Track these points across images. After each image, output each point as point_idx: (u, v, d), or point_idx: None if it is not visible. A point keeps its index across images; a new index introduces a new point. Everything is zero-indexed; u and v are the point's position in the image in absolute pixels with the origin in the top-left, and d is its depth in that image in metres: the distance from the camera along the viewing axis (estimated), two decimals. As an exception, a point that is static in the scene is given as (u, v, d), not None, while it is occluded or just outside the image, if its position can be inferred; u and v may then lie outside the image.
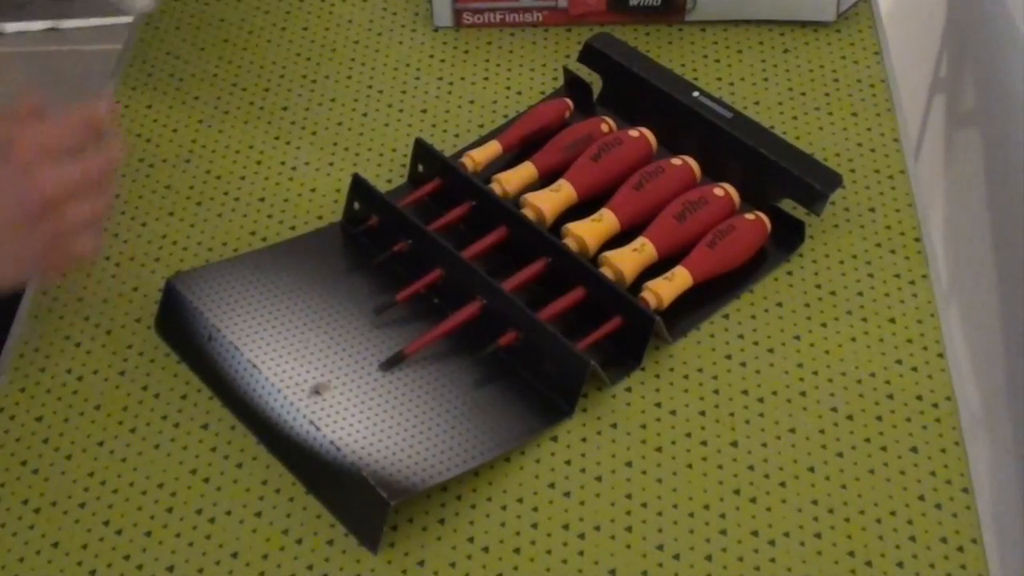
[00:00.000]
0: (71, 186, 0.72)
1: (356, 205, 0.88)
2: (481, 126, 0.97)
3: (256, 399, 0.78)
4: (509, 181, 0.89)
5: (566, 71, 0.97)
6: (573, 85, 0.97)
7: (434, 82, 1.01)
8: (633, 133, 0.90)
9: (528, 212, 0.86)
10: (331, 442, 0.73)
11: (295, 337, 0.80)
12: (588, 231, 0.85)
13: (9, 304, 0.87)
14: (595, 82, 0.98)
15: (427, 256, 0.83)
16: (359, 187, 0.88)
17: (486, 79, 1.01)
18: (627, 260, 0.83)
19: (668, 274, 0.82)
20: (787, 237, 0.87)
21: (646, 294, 0.81)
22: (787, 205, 0.87)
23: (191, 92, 1.01)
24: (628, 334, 0.80)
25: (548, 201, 0.87)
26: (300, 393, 0.76)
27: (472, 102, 0.99)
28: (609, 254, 0.83)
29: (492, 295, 0.80)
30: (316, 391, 0.77)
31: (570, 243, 0.84)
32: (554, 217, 0.87)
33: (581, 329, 0.80)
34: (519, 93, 1.00)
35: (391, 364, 0.79)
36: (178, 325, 0.83)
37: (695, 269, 0.83)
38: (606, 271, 0.83)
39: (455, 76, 1.02)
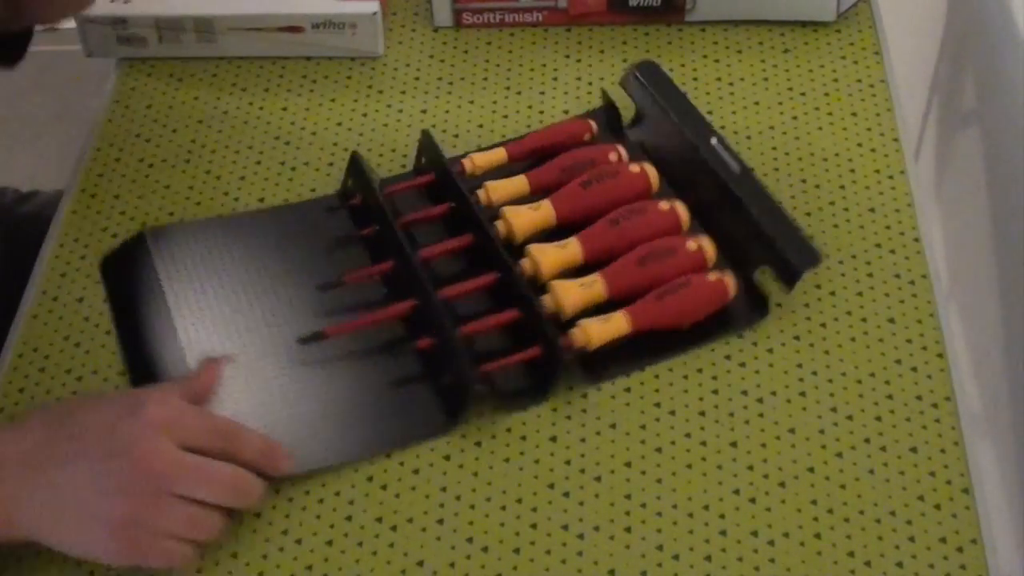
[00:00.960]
0: (176, 479, 0.68)
1: (349, 182, 0.90)
2: (481, 126, 0.97)
3: (166, 363, 0.80)
4: (496, 190, 0.87)
5: (603, 93, 0.95)
6: (607, 108, 0.95)
7: (434, 82, 1.01)
8: (634, 168, 0.87)
9: (500, 225, 0.85)
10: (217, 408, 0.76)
11: (231, 303, 0.82)
12: (547, 256, 0.82)
13: (9, 304, 0.87)
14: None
15: (386, 246, 0.84)
16: (354, 165, 0.89)
17: (486, 79, 1.01)
18: (571, 293, 0.81)
19: (605, 316, 0.80)
20: (751, 308, 0.83)
21: (576, 331, 0.79)
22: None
23: (191, 92, 1.01)
24: (542, 366, 0.79)
25: (523, 218, 0.85)
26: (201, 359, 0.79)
27: (472, 102, 0.99)
28: (555, 283, 0.81)
29: (424, 298, 0.80)
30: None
31: (526, 264, 0.83)
32: (526, 235, 0.85)
33: (515, 351, 0.79)
34: (519, 93, 1.00)
35: (307, 340, 0.80)
36: (128, 270, 0.85)
37: (635, 317, 0.80)
38: (548, 299, 0.80)
39: (455, 76, 1.02)
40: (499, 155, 0.90)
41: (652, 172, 0.87)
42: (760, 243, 0.82)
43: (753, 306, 0.83)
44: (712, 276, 0.82)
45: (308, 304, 0.83)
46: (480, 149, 0.92)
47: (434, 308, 0.79)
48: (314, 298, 0.84)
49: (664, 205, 0.85)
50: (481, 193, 0.88)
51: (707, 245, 0.83)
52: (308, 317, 0.82)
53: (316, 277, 0.84)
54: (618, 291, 0.81)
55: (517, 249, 0.84)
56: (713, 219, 0.86)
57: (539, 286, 0.82)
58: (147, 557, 0.68)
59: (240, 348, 0.80)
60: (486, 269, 0.82)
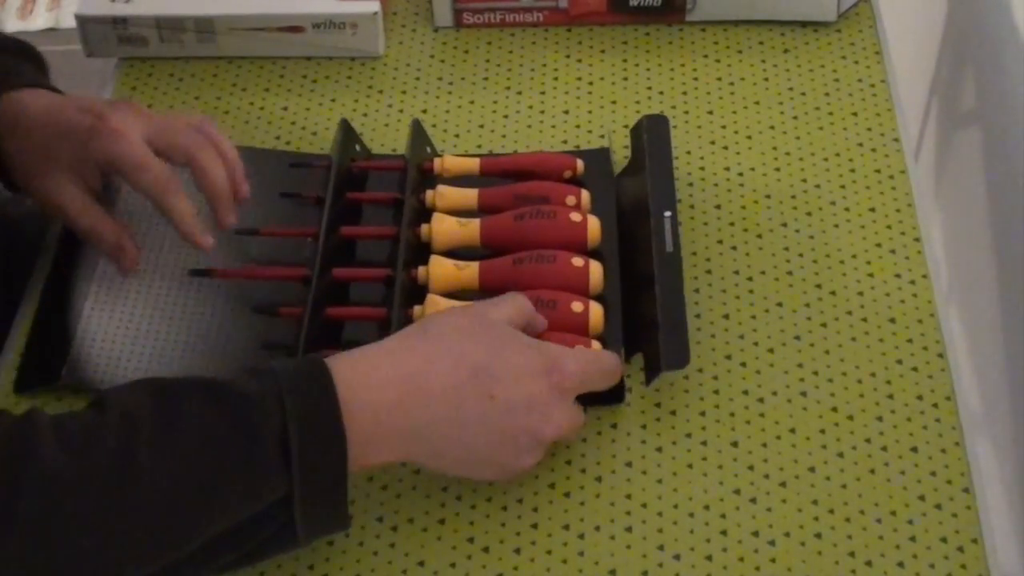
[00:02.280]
0: (576, 431, 0.74)
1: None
2: (481, 126, 0.97)
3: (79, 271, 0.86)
4: (443, 197, 0.87)
5: (607, 135, 0.94)
6: (600, 151, 0.93)
7: (434, 82, 1.01)
8: (575, 216, 0.84)
9: (424, 229, 0.85)
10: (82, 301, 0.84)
11: (155, 229, 0.87)
12: (442, 272, 0.82)
13: (9, 303, 0.87)
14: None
15: (319, 211, 0.86)
16: (341, 131, 0.91)
17: (486, 79, 1.01)
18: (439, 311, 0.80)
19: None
20: (614, 390, 0.78)
21: (416, 310, 0.80)
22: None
23: (191, 92, 1.01)
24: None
25: (445, 228, 0.85)
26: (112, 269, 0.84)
27: (472, 102, 0.99)
28: (431, 297, 0.81)
29: (315, 271, 0.82)
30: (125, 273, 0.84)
31: (420, 273, 0.82)
32: (446, 246, 0.85)
33: None
34: (519, 93, 1.00)
35: (196, 273, 0.84)
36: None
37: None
38: (417, 311, 0.80)
39: (455, 76, 1.02)
40: (471, 164, 0.90)
41: (594, 225, 0.84)
42: (646, 328, 0.80)
43: (619, 386, 0.78)
44: (577, 307, 0.79)
45: (230, 246, 0.85)
46: (463, 155, 0.92)
47: (310, 284, 0.81)
48: (236, 242, 0.86)
49: (578, 261, 0.82)
50: (430, 194, 0.88)
51: (595, 310, 0.80)
52: (222, 256, 0.85)
53: (244, 222, 0.85)
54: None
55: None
56: (632, 288, 0.83)
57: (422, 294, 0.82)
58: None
59: (149, 268, 0.86)
60: (417, 264, 0.83)
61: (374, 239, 0.86)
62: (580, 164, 0.90)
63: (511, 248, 0.83)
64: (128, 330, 0.83)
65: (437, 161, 0.90)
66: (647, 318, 0.80)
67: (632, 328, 0.81)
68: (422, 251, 0.85)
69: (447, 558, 0.73)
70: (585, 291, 0.81)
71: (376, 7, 1.00)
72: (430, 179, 0.90)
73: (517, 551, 0.73)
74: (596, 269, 0.82)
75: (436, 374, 0.67)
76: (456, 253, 0.85)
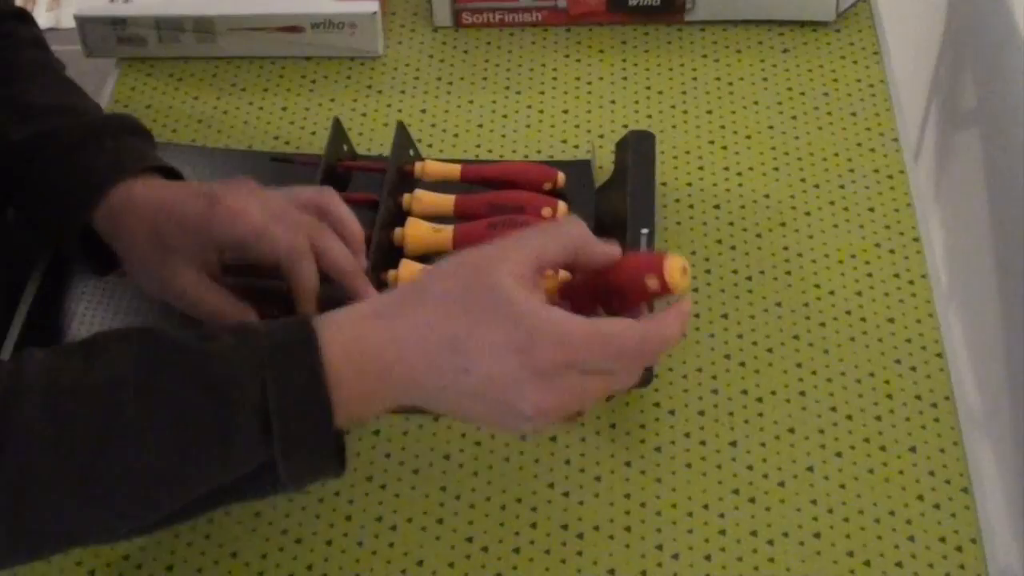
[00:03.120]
0: (572, 405, 0.66)
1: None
2: (480, 126, 0.97)
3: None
4: (420, 201, 0.87)
5: (591, 147, 0.94)
6: (581, 164, 0.93)
7: (433, 82, 1.01)
8: None
9: (396, 233, 0.85)
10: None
11: None
12: (412, 276, 0.82)
13: (9, 303, 0.87)
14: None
15: None
16: (333, 128, 0.90)
17: (485, 79, 1.01)
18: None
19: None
20: None
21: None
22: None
23: (191, 92, 1.01)
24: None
25: (419, 232, 0.85)
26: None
27: (471, 102, 0.99)
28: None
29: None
30: (122, 273, 0.83)
31: (391, 276, 0.83)
32: (418, 251, 0.85)
33: None
34: (518, 93, 1.00)
35: None
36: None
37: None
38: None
39: (454, 76, 1.02)
40: (452, 170, 0.90)
41: None
42: None
43: None
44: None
45: None
46: (448, 160, 0.92)
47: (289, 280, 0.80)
48: None
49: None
50: (407, 198, 0.88)
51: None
52: None
53: None
54: None
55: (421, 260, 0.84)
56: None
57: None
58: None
59: None
60: (388, 267, 0.83)
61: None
62: (561, 176, 0.89)
63: None
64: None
65: (418, 165, 0.90)
66: None
67: None
68: (394, 255, 0.85)
69: (446, 558, 0.73)
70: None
71: (375, 7, 1.00)
72: (411, 182, 0.90)
73: (516, 551, 0.73)
74: (566, 279, 0.82)
75: (418, 346, 0.66)
76: (428, 258, 0.84)
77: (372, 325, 0.66)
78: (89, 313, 0.85)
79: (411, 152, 0.92)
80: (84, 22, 1.02)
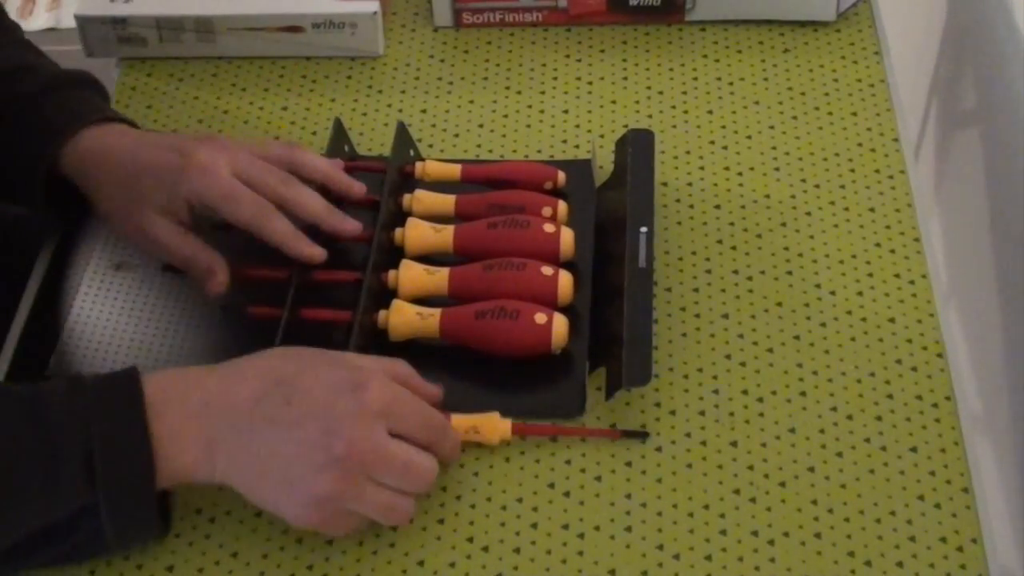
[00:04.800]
0: (380, 464, 0.69)
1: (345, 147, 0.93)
2: (481, 126, 0.97)
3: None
4: (420, 201, 0.87)
5: (592, 147, 0.94)
6: (581, 163, 0.93)
7: (434, 82, 1.01)
8: (548, 227, 0.84)
9: (397, 233, 0.85)
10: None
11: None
12: (412, 276, 0.83)
13: (8, 302, 0.87)
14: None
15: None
16: (334, 128, 0.91)
17: (486, 79, 1.01)
18: (404, 317, 0.81)
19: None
20: (578, 399, 0.79)
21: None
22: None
23: (191, 92, 1.01)
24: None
25: (419, 233, 0.85)
26: (104, 264, 0.88)
27: (472, 102, 0.99)
28: (396, 303, 0.81)
29: (297, 272, 0.82)
30: (118, 267, 0.87)
31: (391, 277, 0.83)
32: (418, 251, 0.85)
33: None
34: (519, 93, 1.00)
35: (168, 269, 0.86)
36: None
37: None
38: (382, 316, 0.81)
39: (455, 76, 1.02)
40: (453, 170, 0.90)
41: (567, 237, 0.84)
42: (611, 342, 0.79)
43: (580, 399, 0.79)
44: (540, 318, 0.79)
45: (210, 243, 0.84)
46: (449, 160, 0.92)
47: (288, 286, 0.81)
48: (213, 239, 0.84)
49: (548, 270, 0.81)
50: (407, 198, 0.88)
51: (559, 321, 0.79)
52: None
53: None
54: (452, 334, 0.81)
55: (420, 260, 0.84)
56: (602, 301, 0.83)
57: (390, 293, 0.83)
58: (334, 529, 0.71)
59: (142, 265, 0.88)
60: (389, 268, 0.83)
61: (350, 241, 0.85)
62: (561, 176, 0.90)
63: (483, 256, 0.83)
64: (116, 325, 0.84)
65: (419, 165, 0.90)
66: (613, 332, 0.79)
67: (598, 341, 0.81)
68: (395, 255, 0.85)
69: (447, 558, 0.73)
70: (553, 301, 0.81)
71: (375, 7, 1.00)
72: (411, 183, 0.90)
73: (517, 551, 0.73)
74: (565, 279, 0.82)
75: (244, 385, 0.69)
76: (429, 259, 0.84)
77: (202, 370, 0.70)
78: (87, 307, 0.85)
79: (411, 152, 0.92)
80: (84, 22, 1.02)
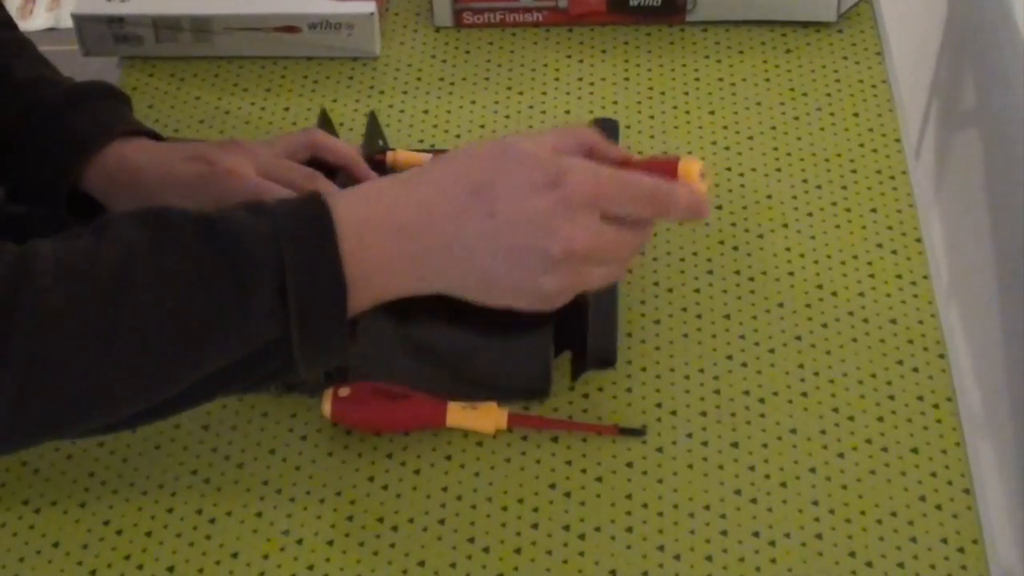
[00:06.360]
0: (600, 251, 0.66)
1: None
2: (482, 126, 0.97)
3: None
4: None
5: None
6: None
7: (435, 82, 1.01)
8: None
9: None
10: None
11: None
12: None
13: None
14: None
15: None
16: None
17: (487, 79, 1.01)
18: None
19: None
20: (539, 382, 0.79)
21: None
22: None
23: (192, 92, 1.01)
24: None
25: None
26: None
27: (473, 102, 0.99)
28: None
29: None
30: None
31: None
32: None
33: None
34: (520, 93, 1.00)
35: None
36: None
37: None
38: None
39: (456, 76, 1.01)
40: (423, 159, 0.90)
41: None
42: (578, 326, 0.79)
43: (545, 381, 0.79)
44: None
45: None
46: (419, 150, 0.92)
47: None
48: None
49: None
50: None
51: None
52: None
53: None
54: None
55: None
56: None
57: None
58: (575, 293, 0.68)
59: None
60: None
61: None
62: None
63: None
64: None
65: (389, 155, 0.91)
66: (579, 316, 0.79)
67: (563, 324, 0.81)
68: None
69: (447, 558, 0.72)
70: None
71: (372, 7, 1.00)
72: (382, 172, 0.89)
73: (517, 551, 0.73)
74: None
75: (440, 197, 0.65)
76: None
77: (390, 185, 0.66)
78: None
79: (380, 142, 0.92)
80: (81, 21, 1.02)
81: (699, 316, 0.84)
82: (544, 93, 1.00)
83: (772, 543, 0.73)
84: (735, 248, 0.88)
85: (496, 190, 0.65)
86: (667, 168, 0.68)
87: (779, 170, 0.93)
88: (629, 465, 0.76)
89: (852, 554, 0.72)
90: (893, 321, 0.83)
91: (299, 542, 0.73)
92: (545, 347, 0.80)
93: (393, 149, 0.92)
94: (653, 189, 0.68)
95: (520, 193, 0.65)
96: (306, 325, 0.63)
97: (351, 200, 0.65)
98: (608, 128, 0.90)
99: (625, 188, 0.67)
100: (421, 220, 0.65)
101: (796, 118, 0.97)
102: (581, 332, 0.78)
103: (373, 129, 0.91)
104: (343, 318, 0.64)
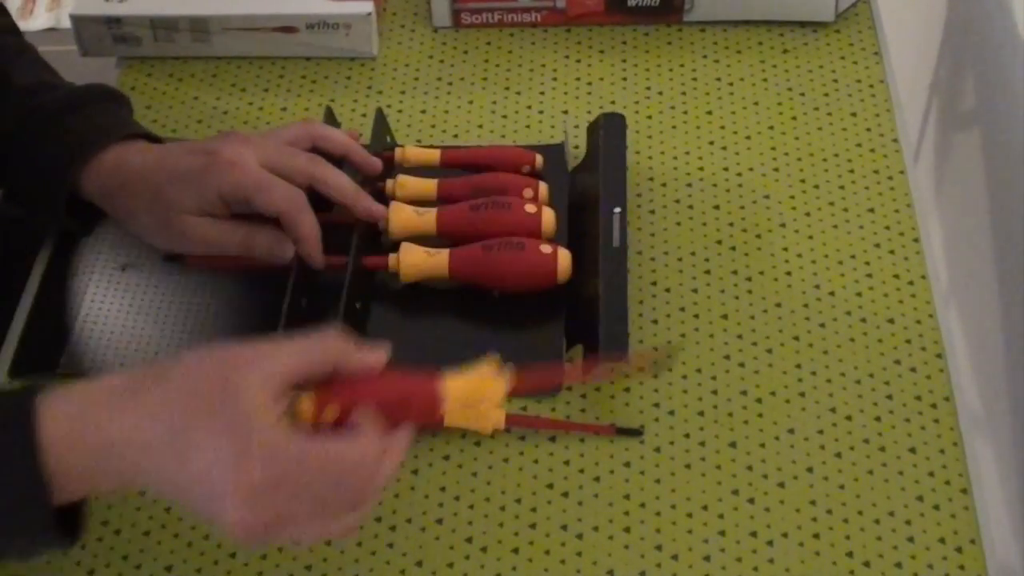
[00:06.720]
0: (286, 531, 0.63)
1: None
2: (480, 126, 0.97)
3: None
4: (403, 186, 0.88)
5: (565, 132, 0.95)
6: (555, 147, 0.94)
7: (433, 82, 1.01)
8: (530, 208, 0.84)
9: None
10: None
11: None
12: (415, 259, 0.83)
13: (8, 301, 0.87)
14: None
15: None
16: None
17: (485, 79, 1.01)
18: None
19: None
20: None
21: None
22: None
23: (190, 92, 1.01)
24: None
25: (402, 216, 0.85)
26: (111, 266, 0.88)
27: (471, 102, 0.99)
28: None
29: (297, 268, 0.82)
30: (124, 268, 0.88)
31: (392, 260, 0.83)
32: (402, 234, 0.85)
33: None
34: (518, 93, 1.00)
35: (170, 259, 0.86)
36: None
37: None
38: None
39: (454, 76, 1.01)
40: (432, 155, 0.91)
41: (548, 216, 0.85)
42: (587, 319, 0.80)
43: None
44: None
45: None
46: (428, 146, 0.92)
47: (293, 270, 0.81)
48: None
49: (547, 247, 0.82)
50: (390, 183, 0.88)
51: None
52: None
53: None
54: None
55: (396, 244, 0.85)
56: (578, 279, 0.83)
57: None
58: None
59: (148, 261, 0.88)
60: (376, 251, 0.85)
61: (335, 226, 0.84)
62: (539, 159, 0.91)
63: (467, 238, 0.84)
64: (125, 324, 0.84)
65: (398, 151, 0.91)
66: (590, 309, 0.80)
67: (575, 318, 0.82)
68: (378, 240, 0.86)
69: (445, 558, 0.73)
70: (551, 274, 0.83)
71: (370, 8, 1.00)
72: (390, 169, 0.90)
73: (515, 551, 0.73)
74: (564, 253, 0.83)
75: (137, 432, 0.63)
76: (413, 241, 0.85)
77: (100, 404, 0.64)
78: (95, 307, 0.85)
79: (388, 139, 0.92)
80: (79, 21, 1.02)
81: (696, 316, 0.84)
82: (542, 93, 1.00)
83: (770, 543, 0.73)
84: (733, 248, 0.88)
85: (189, 440, 0.62)
86: (423, 393, 0.66)
87: (777, 170, 0.93)
88: (627, 465, 0.76)
89: (850, 554, 0.72)
90: (891, 321, 0.83)
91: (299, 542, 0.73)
92: (557, 340, 0.81)
93: (401, 145, 0.92)
94: (344, 470, 0.62)
95: (208, 453, 0.62)
96: (4, 526, 0.62)
97: (59, 412, 0.63)
98: (615, 123, 0.90)
99: (309, 467, 0.62)
100: (120, 453, 0.62)
101: (794, 118, 0.97)
102: (593, 325, 0.79)
103: (380, 126, 0.91)
104: (44, 516, 0.62)
